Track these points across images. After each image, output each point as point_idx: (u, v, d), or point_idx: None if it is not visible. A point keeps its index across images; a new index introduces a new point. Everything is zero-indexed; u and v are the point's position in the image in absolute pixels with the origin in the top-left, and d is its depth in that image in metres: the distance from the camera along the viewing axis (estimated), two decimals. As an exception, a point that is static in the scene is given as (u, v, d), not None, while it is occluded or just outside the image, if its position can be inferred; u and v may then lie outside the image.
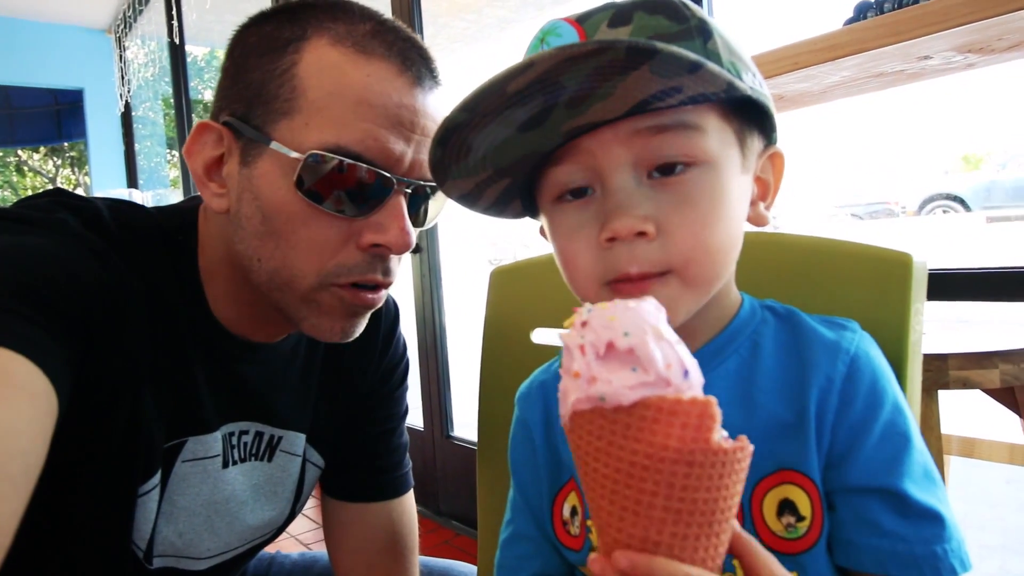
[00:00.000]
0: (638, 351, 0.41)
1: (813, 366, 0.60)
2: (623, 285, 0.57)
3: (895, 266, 0.69)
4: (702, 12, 0.58)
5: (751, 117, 0.61)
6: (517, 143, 0.58)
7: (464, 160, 0.60)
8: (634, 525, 0.42)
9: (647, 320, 0.42)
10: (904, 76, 1.24)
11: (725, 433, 0.42)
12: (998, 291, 1.20)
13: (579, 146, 0.58)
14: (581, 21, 0.58)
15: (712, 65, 0.51)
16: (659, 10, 0.56)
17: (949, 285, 1.25)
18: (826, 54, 1.10)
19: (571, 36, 0.57)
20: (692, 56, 0.49)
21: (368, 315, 0.80)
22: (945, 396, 1.26)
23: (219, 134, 0.75)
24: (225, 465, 0.85)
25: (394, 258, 0.78)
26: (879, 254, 0.71)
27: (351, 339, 0.80)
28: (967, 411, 1.86)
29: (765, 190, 0.65)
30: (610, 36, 0.56)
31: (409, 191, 0.75)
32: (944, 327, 1.46)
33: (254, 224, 0.74)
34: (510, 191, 0.65)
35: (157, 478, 0.77)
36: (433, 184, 0.77)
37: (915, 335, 0.68)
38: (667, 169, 0.57)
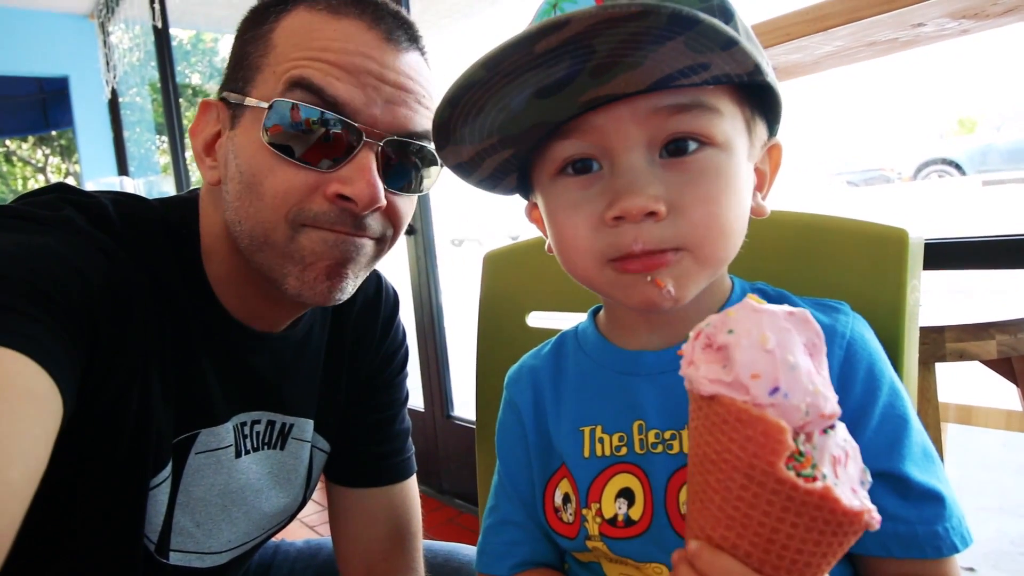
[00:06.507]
0: (729, 351, 0.41)
1: None
2: (629, 263, 0.55)
3: (890, 242, 0.69)
4: None
5: (760, 106, 0.60)
6: (531, 110, 0.55)
7: (472, 124, 0.56)
8: (698, 511, 0.43)
9: (760, 327, 0.41)
10: (898, 44, 1.22)
11: (831, 477, 0.39)
12: (996, 259, 1.19)
13: (591, 121, 0.55)
14: None
15: (745, 43, 0.49)
16: None
17: (947, 254, 1.24)
18: (818, 24, 1.08)
19: (588, 2, 0.53)
20: (730, 31, 0.47)
21: (355, 276, 0.77)
22: (943, 367, 1.26)
23: (216, 111, 0.77)
24: (238, 455, 0.85)
25: (373, 217, 0.75)
26: (874, 230, 0.70)
27: (340, 300, 0.77)
28: (965, 381, 1.86)
29: (762, 181, 0.64)
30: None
31: (380, 145, 0.73)
32: (941, 298, 1.46)
33: (234, 186, 0.74)
34: (509, 164, 0.63)
35: (168, 470, 0.78)
36: (410, 141, 0.75)
37: (911, 310, 0.67)
38: (679, 149, 0.55)
